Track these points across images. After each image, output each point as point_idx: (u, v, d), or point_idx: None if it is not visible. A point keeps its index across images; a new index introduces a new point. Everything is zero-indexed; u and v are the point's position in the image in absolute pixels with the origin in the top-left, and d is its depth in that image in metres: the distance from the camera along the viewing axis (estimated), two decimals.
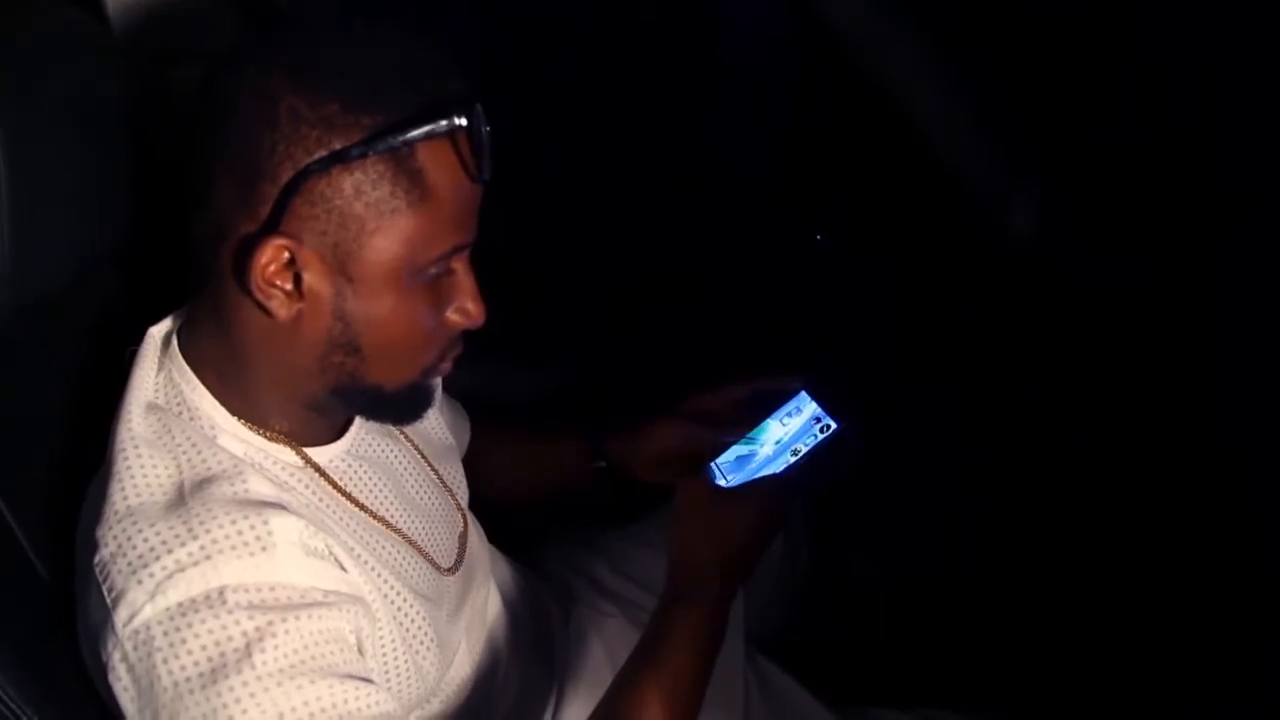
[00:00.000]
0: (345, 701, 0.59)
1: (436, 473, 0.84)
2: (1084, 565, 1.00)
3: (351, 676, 0.61)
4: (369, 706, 0.60)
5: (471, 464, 0.93)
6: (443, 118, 0.59)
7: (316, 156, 0.58)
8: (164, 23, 0.83)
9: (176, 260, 0.68)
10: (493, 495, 0.94)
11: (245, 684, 0.57)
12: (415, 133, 0.59)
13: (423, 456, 0.83)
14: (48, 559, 0.69)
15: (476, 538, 0.87)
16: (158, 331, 0.69)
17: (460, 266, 0.67)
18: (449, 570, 0.80)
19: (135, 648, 0.58)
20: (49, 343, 0.75)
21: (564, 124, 1.40)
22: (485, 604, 0.88)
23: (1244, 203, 0.84)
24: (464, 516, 0.85)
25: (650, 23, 1.43)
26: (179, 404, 0.67)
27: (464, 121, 0.59)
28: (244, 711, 0.56)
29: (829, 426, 0.83)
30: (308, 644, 0.59)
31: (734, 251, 1.40)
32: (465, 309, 0.68)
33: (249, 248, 0.61)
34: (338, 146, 0.58)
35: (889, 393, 1.16)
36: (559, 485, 0.99)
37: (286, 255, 0.61)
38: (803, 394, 0.86)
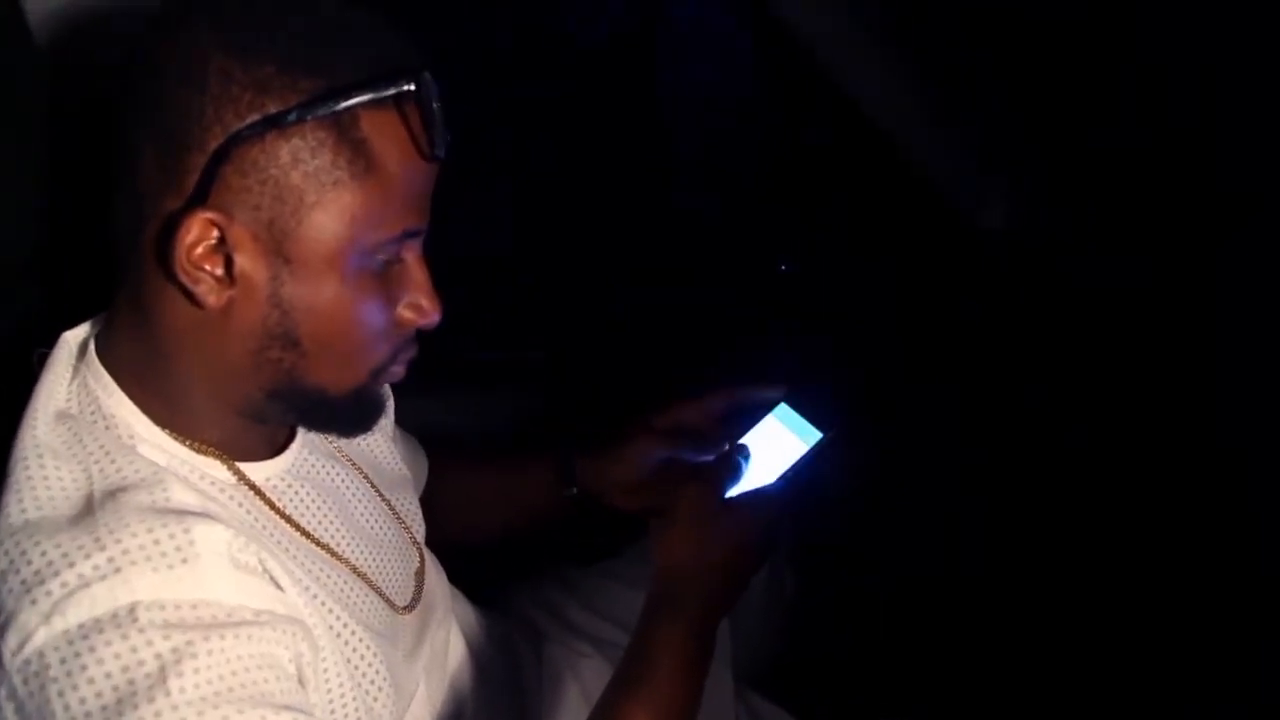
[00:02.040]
0: None
1: (389, 504, 0.77)
2: (1084, 565, 1.00)
3: (289, 708, 0.53)
4: None
5: (431, 502, 0.86)
6: (388, 83, 0.55)
7: (249, 121, 0.53)
8: (92, 35, 0.75)
9: (99, 270, 0.63)
10: (456, 534, 0.87)
11: (158, 714, 0.48)
12: (358, 98, 0.54)
13: (373, 487, 0.76)
14: None
15: (435, 575, 0.80)
16: (73, 336, 0.63)
17: (412, 258, 0.62)
18: (405, 608, 0.73)
19: (26, 681, 0.49)
20: None
21: (556, 124, 1.40)
22: (446, 645, 0.80)
23: (1244, 203, 0.85)
24: (420, 552, 0.79)
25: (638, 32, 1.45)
26: (94, 412, 0.60)
27: (411, 88, 0.55)
28: None
29: (814, 437, 0.80)
30: (235, 669, 0.51)
31: (723, 249, 1.40)
32: (419, 305, 0.62)
33: (174, 225, 0.54)
34: (273, 110, 0.53)
35: (888, 393, 1.16)
36: (527, 518, 0.91)
37: (216, 233, 0.55)
38: (783, 405, 0.82)
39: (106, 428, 0.59)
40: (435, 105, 0.57)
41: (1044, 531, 1.04)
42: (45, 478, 0.56)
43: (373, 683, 0.65)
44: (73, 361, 0.62)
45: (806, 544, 1.13)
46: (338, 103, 0.54)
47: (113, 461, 0.57)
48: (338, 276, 0.57)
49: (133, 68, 0.57)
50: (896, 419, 1.16)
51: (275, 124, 0.54)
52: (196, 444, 0.62)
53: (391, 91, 0.55)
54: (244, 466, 0.64)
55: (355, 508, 0.73)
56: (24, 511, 0.54)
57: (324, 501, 0.69)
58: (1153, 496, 0.93)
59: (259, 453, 0.66)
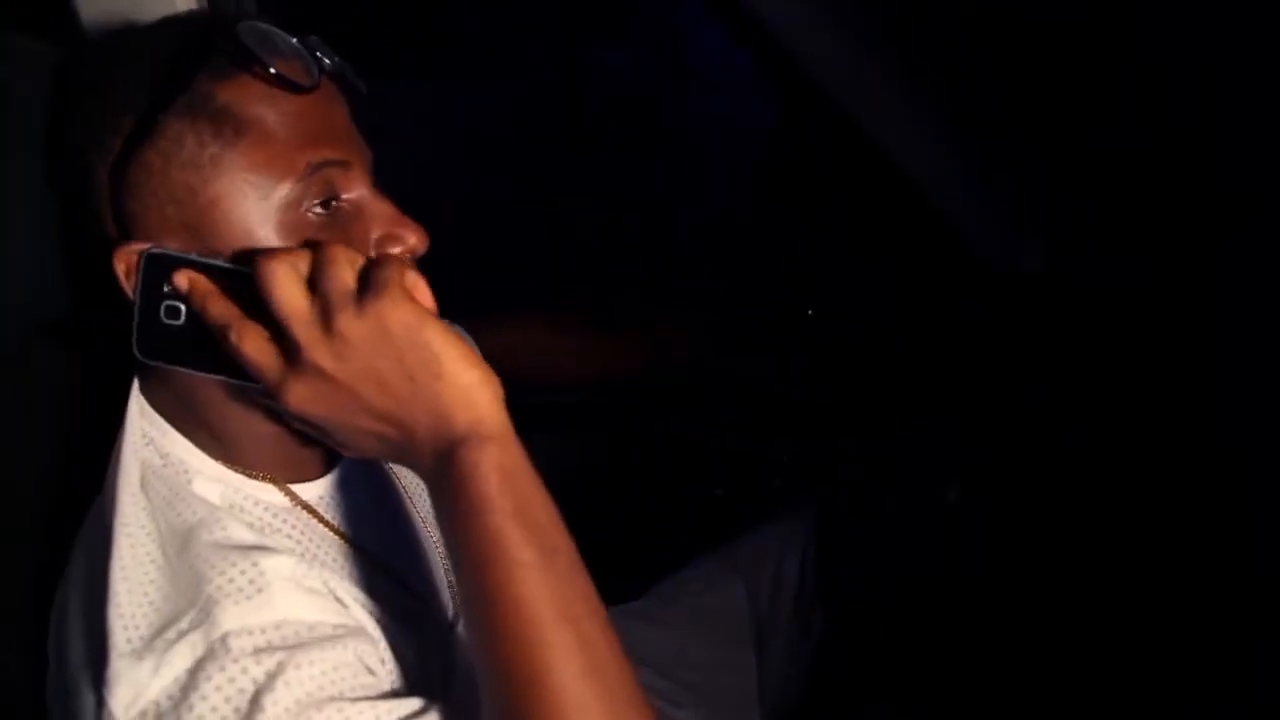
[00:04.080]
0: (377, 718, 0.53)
1: (425, 523, 0.77)
2: (1085, 565, 1.00)
3: (367, 698, 0.54)
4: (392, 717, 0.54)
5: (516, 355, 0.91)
6: (204, 49, 0.56)
7: (117, 150, 0.56)
8: None
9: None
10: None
11: None
12: (187, 76, 0.56)
13: (412, 503, 0.77)
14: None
15: None
16: (137, 382, 0.64)
17: (361, 194, 0.60)
18: (449, 623, 0.72)
19: None
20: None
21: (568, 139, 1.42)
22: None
23: (1244, 203, 0.85)
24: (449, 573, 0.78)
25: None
26: (152, 454, 0.62)
27: (234, 37, 0.56)
28: None
29: None
30: (317, 684, 0.53)
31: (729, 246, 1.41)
32: (394, 235, 0.60)
33: (111, 270, 0.57)
34: (128, 129, 0.56)
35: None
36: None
37: None
38: None
39: (165, 465, 0.61)
40: (284, 41, 0.58)
41: (1044, 531, 1.04)
42: (131, 536, 0.57)
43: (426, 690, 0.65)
44: (139, 405, 0.63)
45: (833, 581, 1.14)
46: (173, 90, 0.56)
47: (172, 507, 0.59)
48: (278, 243, 0.57)
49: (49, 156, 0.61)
50: (896, 417, 1.16)
51: (136, 140, 0.56)
52: (249, 470, 0.63)
53: (217, 54, 0.56)
54: (296, 488, 0.65)
55: (398, 522, 0.74)
56: (124, 571, 0.55)
57: (372, 515, 0.70)
58: (1153, 496, 0.93)
59: (309, 471, 0.67)
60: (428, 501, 0.77)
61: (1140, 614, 0.95)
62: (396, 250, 0.60)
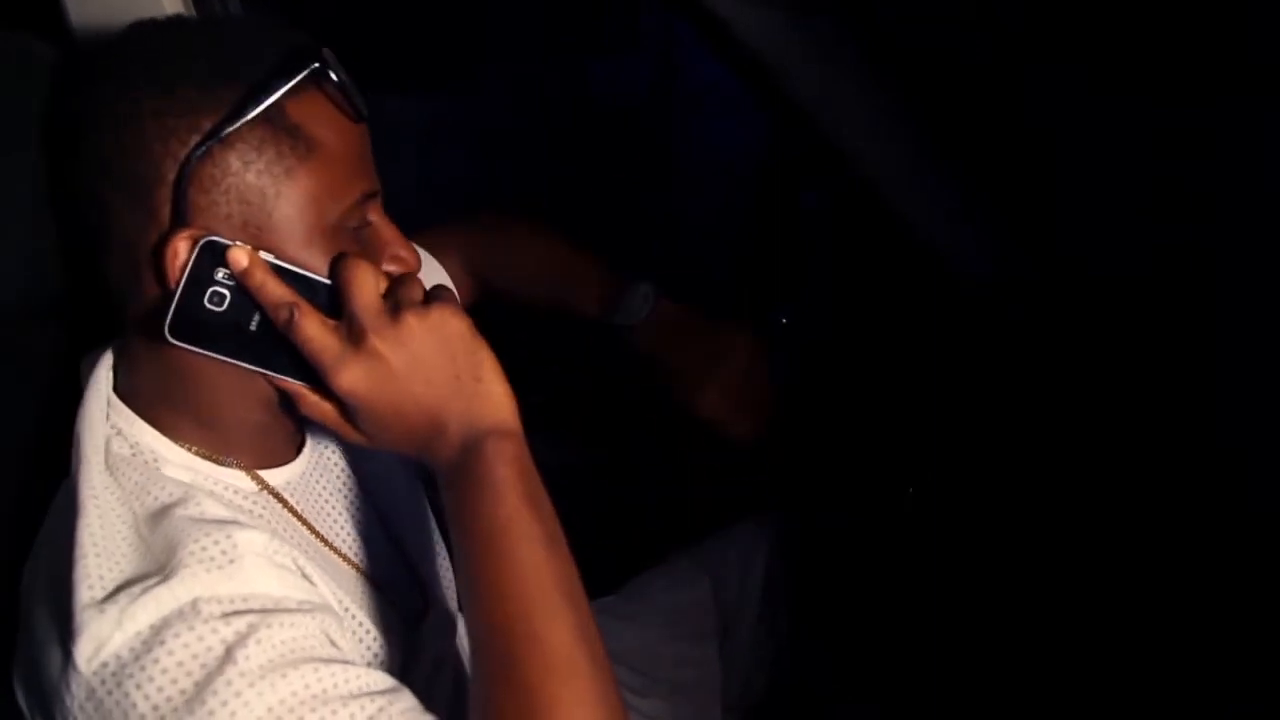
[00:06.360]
0: (342, 683, 0.56)
1: (381, 519, 0.80)
2: (1083, 566, 1.00)
3: (337, 660, 0.58)
4: (367, 686, 0.57)
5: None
6: (297, 68, 0.61)
7: (192, 144, 0.60)
8: None
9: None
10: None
11: (229, 683, 0.53)
12: (277, 89, 0.60)
13: (367, 494, 0.79)
14: None
15: (444, 595, 0.82)
16: (104, 369, 0.67)
17: (378, 218, 0.67)
18: (414, 618, 0.75)
19: (104, 681, 0.53)
20: None
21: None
22: (453, 668, 0.81)
23: (1244, 202, 0.84)
24: (414, 570, 0.80)
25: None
26: (121, 445, 0.65)
27: (318, 65, 0.61)
28: (232, 714, 0.52)
29: None
30: (291, 647, 0.56)
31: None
32: (397, 256, 0.68)
33: (161, 254, 0.60)
34: (208, 127, 0.60)
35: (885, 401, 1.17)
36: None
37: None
38: None
39: (134, 455, 0.64)
40: (344, 74, 0.62)
41: (1042, 532, 1.04)
42: (100, 509, 0.59)
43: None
44: (106, 394, 0.66)
45: (799, 575, 1.14)
46: (260, 100, 0.60)
47: (146, 491, 0.62)
48: (320, 254, 0.63)
49: (67, 131, 0.63)
50: (894, 418, 1.16)
51: (215, 137, 0.59)
52: (220, 458, 0.67)
53: (302, 74, 0.61)
54: (264, 474, 0.69)
55: (361, 517, 0.76)
56: (94, 539, 0.57)
57: (334, 506, 0.74)
58: (1153, 496, 0.93)
59: (279, 456, 0.71)
60: (392, 499, 0.81)
61: (1140, 614, 0.95)
62: (397, 269, 0.67)
